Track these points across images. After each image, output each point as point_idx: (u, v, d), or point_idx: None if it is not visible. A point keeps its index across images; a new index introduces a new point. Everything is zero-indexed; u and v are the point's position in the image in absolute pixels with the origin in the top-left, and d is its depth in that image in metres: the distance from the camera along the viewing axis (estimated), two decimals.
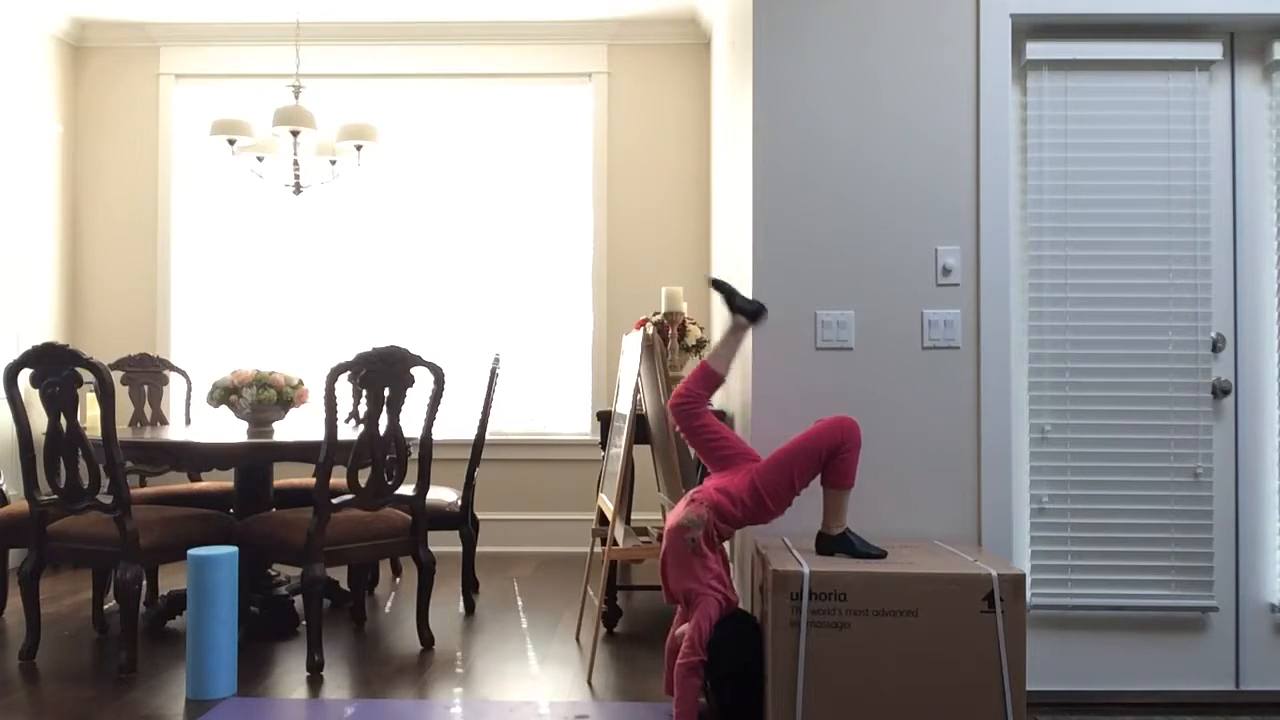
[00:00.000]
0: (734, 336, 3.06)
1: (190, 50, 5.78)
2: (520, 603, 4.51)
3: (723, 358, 3.05)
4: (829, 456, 2.81)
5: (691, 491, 2.95)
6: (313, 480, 3.56)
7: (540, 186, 5.79)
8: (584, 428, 5.74)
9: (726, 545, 4.23)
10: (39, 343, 3.47)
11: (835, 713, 2.63)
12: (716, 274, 3.13)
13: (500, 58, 5.73)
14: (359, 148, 4.84)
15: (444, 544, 5.46)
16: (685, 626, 2.90)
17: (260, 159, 4.89)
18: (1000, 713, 2.61)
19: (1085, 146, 3.18)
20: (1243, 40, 3.22)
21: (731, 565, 3.90)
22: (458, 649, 3.77)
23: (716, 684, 2.82)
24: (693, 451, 3.41)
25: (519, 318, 5.77)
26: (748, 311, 3.06)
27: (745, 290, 3.31)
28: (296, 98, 4.76)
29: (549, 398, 5.77)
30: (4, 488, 4.15)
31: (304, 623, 3.76)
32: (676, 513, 2.91)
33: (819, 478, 2.86)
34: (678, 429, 3.07)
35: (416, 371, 3.63)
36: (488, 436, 4.69)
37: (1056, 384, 3.18)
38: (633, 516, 5.35)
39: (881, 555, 2.81)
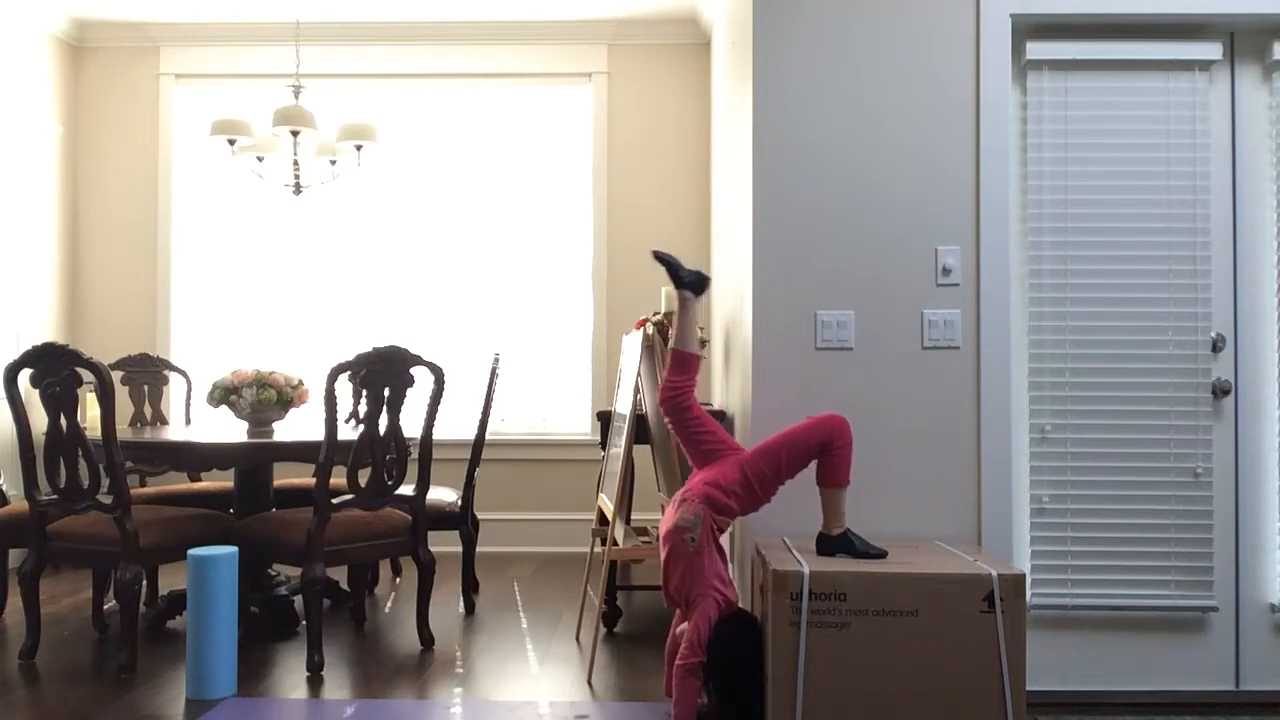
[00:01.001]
0: (685, 312, 3.08)
1: (190, 50, 5.78)
2: (520, 603, 4.51)
3: (686, 336, 3.07)
4: (819, 452, 2.81)
5: (679, 492, 2.95)
6: (313, 480, 3.56)
7: (540, 187, 5.79)
8: (584, 428, 5.74)
9: (726, 545, 4.23)
10: (39, 343, 3.47)
11: (835, 713, 2.63)
12: (701, 266, 3.14)
13: (500, 58, 5.73)
14: (359, 148, 4.84)
15: (444, 544, 5.46)
16: (685, 626, 2.89)
17: (260, 159, 4.89)
18: (1000, 713, 2.61)
19: (1085, 146, 3.18)
20: (1243, 40, 3.22)
21: (731, 565, 3.90)
22: (458, 649, 3.77)
23: (717, 684, 2.82)
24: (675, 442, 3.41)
25: (519, 317, 5.77)
26: (691, 284, 3.09)
27: (745, 292, 3.31)
28: (296, 98, 4.76)
29: (549, 398, 5.77)
30: (4, 488, 4.15)
31: (304, 623, 3.77)
32: (669, 517, 2.91)
33: (816, 478, 2.86)
34: (667, 422, 3.07)
35: (416, 371, 3.63)
36: (488, 436, 4.69)
37: (1056, 384, 3.18)
38: (633, 516, 5.36)
39: (882, 555, 2.81)
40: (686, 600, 2.86)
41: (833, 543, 2.85)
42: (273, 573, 4.12)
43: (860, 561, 2.75)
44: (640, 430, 3.84)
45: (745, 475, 2.84)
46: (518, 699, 3.19)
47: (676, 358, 3.05)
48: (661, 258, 3.12)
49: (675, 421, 3.02)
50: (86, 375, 3.38)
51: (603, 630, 3.95)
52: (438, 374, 3.73)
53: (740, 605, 2.97)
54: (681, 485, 3.46)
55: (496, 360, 4.58)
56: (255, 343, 5.78)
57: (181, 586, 4.14)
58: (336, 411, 3.50)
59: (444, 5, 5.44)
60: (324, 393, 3.48)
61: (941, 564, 2.72)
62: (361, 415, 3.67)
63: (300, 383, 4.07)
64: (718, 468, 2.90)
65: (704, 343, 4.40)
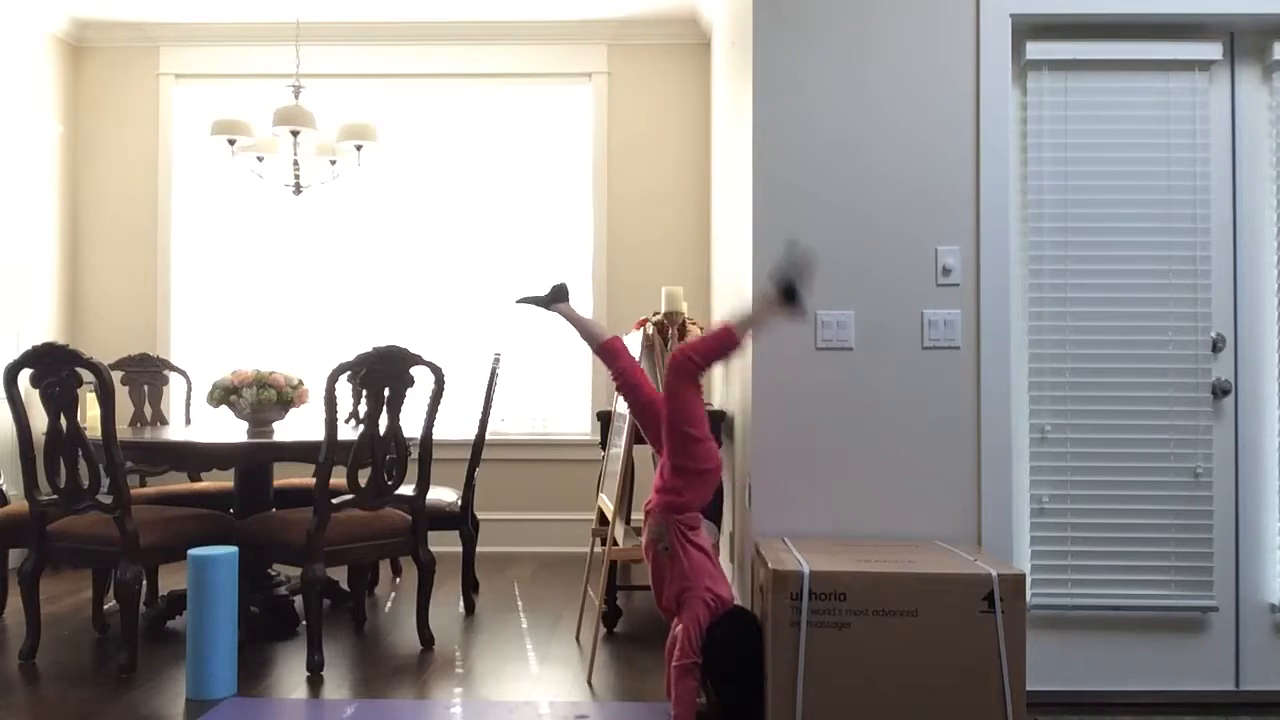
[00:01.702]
0: (572, 321, 3.32)
1: (190, 50, 5.77)
2: (520, 603, 4.51)
3: (590, 335, 3.27)
4: (688, 383, 2.90)
5: (644, 507, 3.02)
6: (313, 480, 3.56)
7: (540, 187, 5.79)
8: (584, 428, 5.74)
9: (725, 545, 4.23)
10: (39, 343, 3.46)
11: (835, 713, 2.63)
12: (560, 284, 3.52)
13: (500, 58, 5.73)
14: (359, 148, 4.84)
15: (444, 544, 5.45)
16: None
17: (260, 159, 4.89)
18: (1000, 713, 2.60)
19: (1085, 146, 3.18)
20: (1243, 40, 3.22)
21: (731, 565, 3.90)
22: (458, 649, 3.77)
23: (717, 683, 2.82)
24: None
25: (519, 317, 5.76)
26: (555, 298, 3.38)
27: (745, 292, 3.31)
28: (296, 98, 4.76)
29: (549, 398, 5.77)
30: (4, 488, 4.15)
31: (304, 623, 3.77)
32: (644, 534, 2.98)
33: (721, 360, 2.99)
34: (629, 410, 3.19)
35: (416, 371, 3.63)
36: (488, 436, 4.69)
37: (1056, 384, 3.18)
38: (633, 516, 5.35)
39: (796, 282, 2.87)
40: (678, 604, 2.88)
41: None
42: (273, 573, 4.12)
43: (860, 561, 2.75)
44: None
45: (673, 465, 2.91)
46: (518, 699, 3.19)
47: (600, 355, 3.21)
48: (523, 300, 3.42)
49: (632, 403, 3.13)
50: (86, 375, 3.38)
51: (603, 630, 3.95)
52: (438, 374, 3.73)
53: (736, 601, 2.97)
54: None
55: (497, 360, 4.58)
56: (255, 343, 5.77)
57: (181, 586, 4.14)
58: (336, 411, 3.49)
59: (444, 5, 5.44)
60: (324, 393, 3.47)
61: (941, 564, 2.72)
62: (361, 415, 3.67)
63: (300, 383, 4.07)
64: (660, 469, 2.99)
65: None
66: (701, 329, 4.51)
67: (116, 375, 4.67)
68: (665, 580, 2.91)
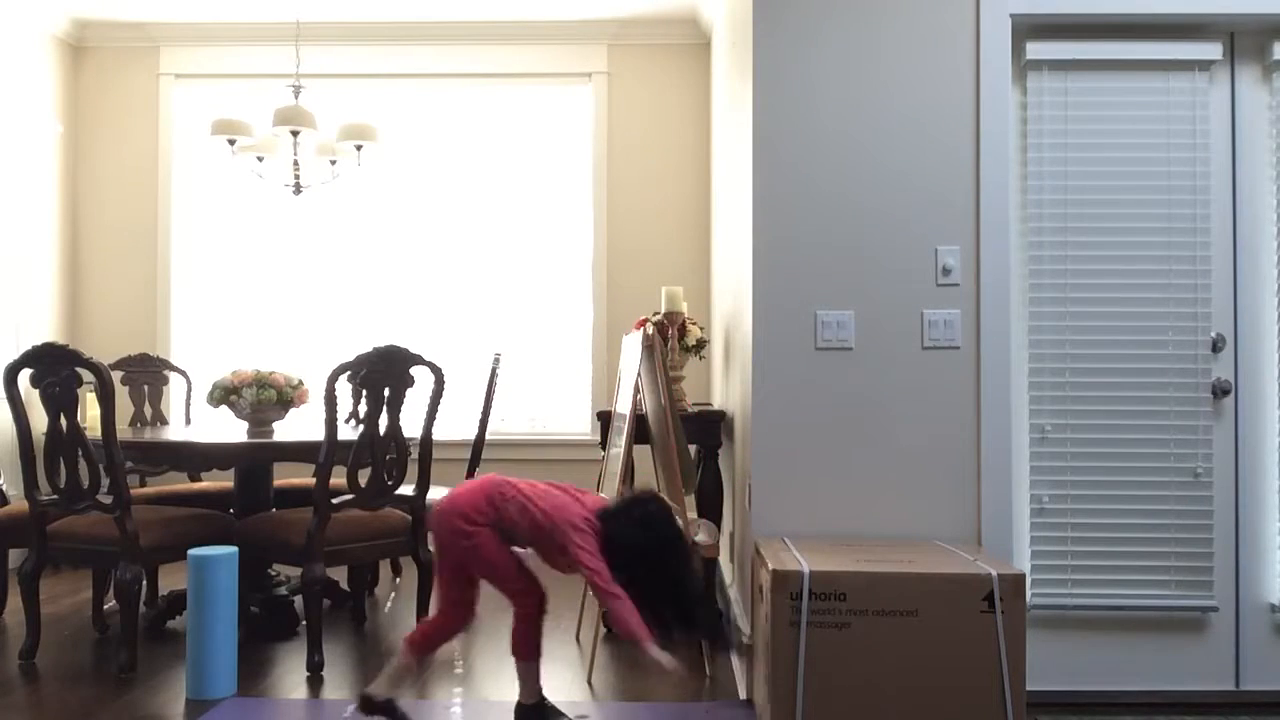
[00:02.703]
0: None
1: (190, 50, 5.77)
2: None
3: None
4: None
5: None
6: (313, 480, 3.56)
7: (540, 187, 5.79)
8: (584, 428, 5.73)
9: (725, 544, 4.22)
10: (39, 343, 3.46)
11: (835, 713, 2.63)
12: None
13: (500, 58, 5.73)
14: (359, 148, 4.84)
15: None
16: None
17: (260, 159, 4.89)
18: (1000, 713, 2.60)
19: (1085, 146, 3.18)
20: (1243, 40, 3.22)
21: (731, 565, 3.90)
22: (458, 649, 3.77)
23: (647, 599, 2.70)
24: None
25: (519, 317, 5.76)
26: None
27: (745, 292, 3.31)
28: (296, 98, 4.75)
29: (549, 397, 5.77)
30: (4, 488, 4.15)
31: (304, 623, 3.77)
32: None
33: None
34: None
35: (416, 371, 3.62)
36: (488, 436, 4.69)
37: (1056, 384, 3.18)
38: None
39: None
40: (566, 561, 2.85)
41: None
42: (273, 573, 4.12)
43: (860, 561, 2.75)
44: (640, 430, 3.83)
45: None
46: (517, 699, 3.19)
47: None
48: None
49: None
50: (86, 375, 3.38)
51: (603, 630, 3.94)
52: (438, 374, 3.73)
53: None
54: (682, 485, 3.47)
55: (497, 360, 4.58)
56: (255, 343, 5.77)
57: (181, 586, 4.13)
58: (336, 411, 3.49)
59: (444, 5, 5.44)
60: (324, 393, 3.47)
61: (941, 564, 2.72)
62: (361, 415, 3.67)
63: (300, 383, 4.07)
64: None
65: (704, 343, 4.40)
66: (701, 328, 4.51)
67: (116, 375, 4.67)
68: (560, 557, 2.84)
